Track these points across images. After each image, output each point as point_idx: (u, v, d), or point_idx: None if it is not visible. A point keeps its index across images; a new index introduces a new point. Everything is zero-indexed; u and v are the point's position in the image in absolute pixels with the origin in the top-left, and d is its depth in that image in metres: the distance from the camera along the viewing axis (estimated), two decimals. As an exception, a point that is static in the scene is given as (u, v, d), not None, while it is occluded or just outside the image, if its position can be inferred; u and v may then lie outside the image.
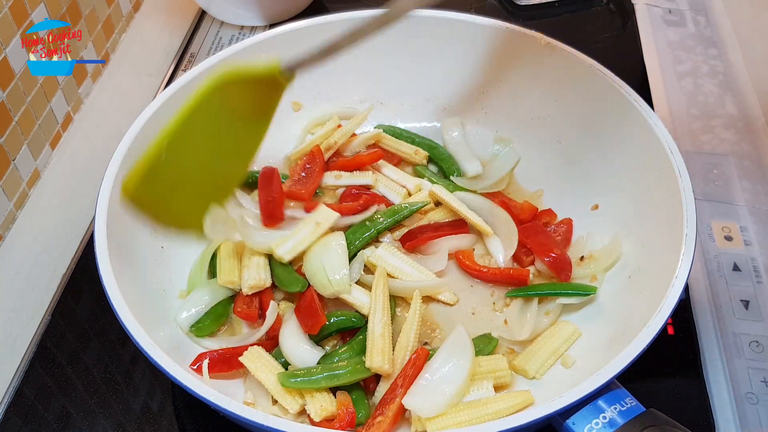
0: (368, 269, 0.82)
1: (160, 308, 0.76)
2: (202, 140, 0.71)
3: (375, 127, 1.01)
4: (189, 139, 0.69)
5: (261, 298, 0.80)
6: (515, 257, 0.85)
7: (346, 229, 0.84)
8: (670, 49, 1.17)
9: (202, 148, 0.72)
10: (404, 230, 0.87)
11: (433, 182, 0.92)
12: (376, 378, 0.73)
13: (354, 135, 0.97)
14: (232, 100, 0.70)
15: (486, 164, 0.96)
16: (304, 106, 0.99)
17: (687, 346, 0.81)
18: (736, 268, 0.87)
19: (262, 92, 0.72)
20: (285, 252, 0.79)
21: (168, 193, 0.71)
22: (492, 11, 1.27)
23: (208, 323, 0.78)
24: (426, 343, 0.78)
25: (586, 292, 0.77)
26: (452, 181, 0.92)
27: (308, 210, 0.86)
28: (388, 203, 0.90)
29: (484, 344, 0.76)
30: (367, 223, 0.85)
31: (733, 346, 0.80)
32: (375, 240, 0.85)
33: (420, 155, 0.95)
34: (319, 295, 0.77)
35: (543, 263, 0.82)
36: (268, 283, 0.80)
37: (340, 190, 0.92)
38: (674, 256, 0.68)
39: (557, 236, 0.86)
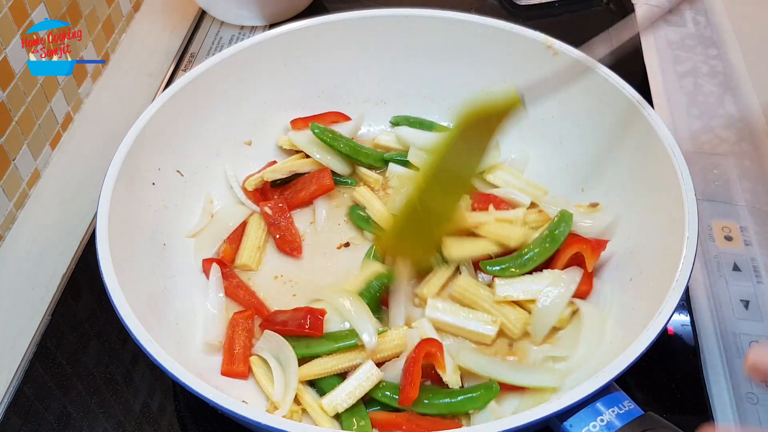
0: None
1: (161, 307, 0.76)
2: (442, 179, 0.75)
3: (390, 120, 1.01)
4: (434, 184, 0.75)
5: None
6: None
7: None
8: (670, 49, 1.17)
9: (442, 186, 0.76)
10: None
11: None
12: None
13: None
14: (469, 134, 0.73)
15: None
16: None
17: (687, 347, 0.81)
18: (736, 268, 0.87)
19: (494, 120, 0.74)
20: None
21: (415, 236, 0.79)
22: (492, 11, 1.27)
23: None
24: None
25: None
26: None
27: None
28: None
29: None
30: None
31: (733, 346, 0.80)
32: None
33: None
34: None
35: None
36: None
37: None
38: (675, 258, 0.68)
39: None
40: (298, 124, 0.96)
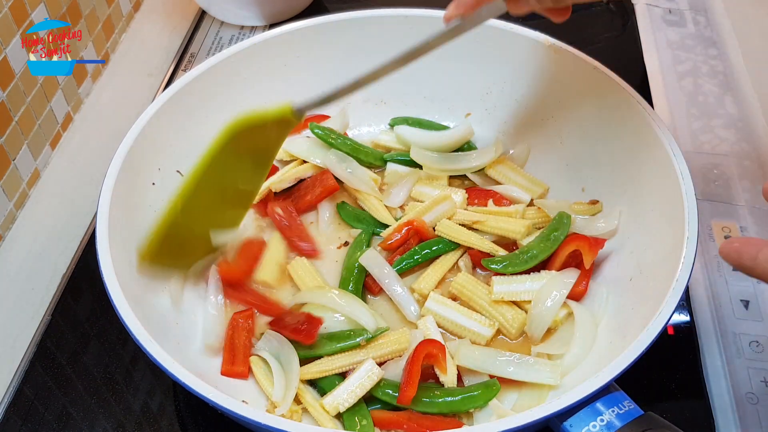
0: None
1: (161, 307, 0.76)
2: (213, 190, 0.74)
3: (390, 122, 1.01)
4: (201, 192, 0.72)
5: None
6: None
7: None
8: (670, 49, 1.17)
9: (212, 196, 0.74)
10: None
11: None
12: None
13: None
14: (241, 145, 0.72)
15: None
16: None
17: (687, 347, 0.81)
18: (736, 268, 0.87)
19: (269, 133, 0.73)
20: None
21: (181, 245, 0.76)
22: (492, 11, 1.27)
23: None
24: None
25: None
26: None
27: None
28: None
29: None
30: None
31: (733, 346, 0.80)
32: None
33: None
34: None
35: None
36: None
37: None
38: (675, 258, 0.68)
39: None
40: None
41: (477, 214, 0.86)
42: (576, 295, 0.79)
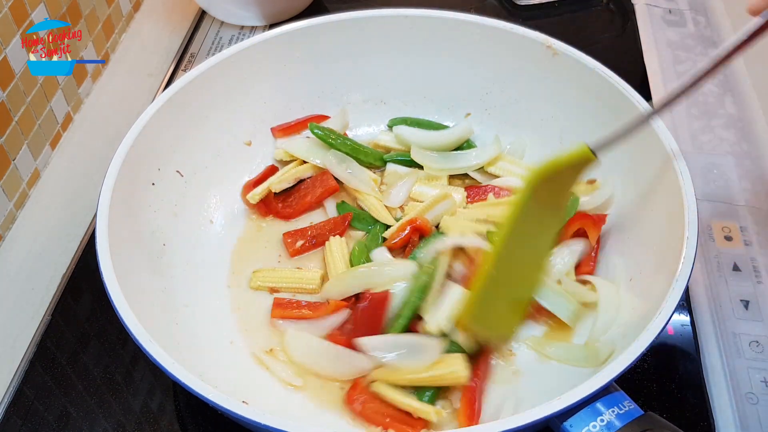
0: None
1: (161, 307, 0.76)
2: (518, 244, 0.72)
3: (389, 123, 1.01)
4: (510, 248, 0.71)
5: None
6: None
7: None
8: (670, 49, 1.17)
9: (522, 252, 0.73)
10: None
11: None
12: None
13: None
14: (542, 196, 0.71)
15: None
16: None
17: (687, 347, 0.81)
18: (736, 268, 0.87)
19: (564, 179, 0.72)
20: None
21: (495, 306, 0.74)
22: (492, 11, 1.27)
23: None
24: None
25: None
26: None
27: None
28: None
29: None
30: None
31: (733, 346, 0.80)
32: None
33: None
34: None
35: None
36: None
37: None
38: (675, 258, 0.68)
39: None
40: (278, 132, 0.97)
41: (479, 210, 0.87)
42: (586, 271, 0.82)
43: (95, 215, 0.72)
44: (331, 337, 0.78)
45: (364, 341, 0.74)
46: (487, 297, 0.72)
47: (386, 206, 0.91)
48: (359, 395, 0.72)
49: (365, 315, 0.77)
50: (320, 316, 0.80)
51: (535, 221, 0.72)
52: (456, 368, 0.72)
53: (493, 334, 0.76)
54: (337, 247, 0.85)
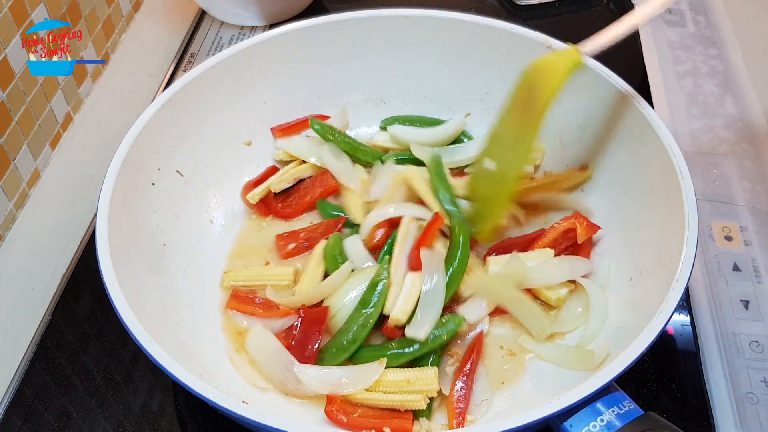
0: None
1: (161, 307, 0.76)
2: (506, 139, 0.77)
3: (381, 123, 1.00)
4: (499, 142, 0.77)
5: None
6: None
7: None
8: (670, 49, 1.17)
9: (506, 146, 0.78)
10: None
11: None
12: None
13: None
14: (529, 93, 0.74)
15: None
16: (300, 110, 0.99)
17: (687, 346, 0.81)
18: (736, 268, 0.88)
19: (549, 81, 0.74)
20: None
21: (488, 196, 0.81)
22: (492, 11, 1.27)
23: None
24: None
25: None
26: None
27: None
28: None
29: None
30: None
31: (733, 346, 0.80)
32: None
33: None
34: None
35: None
36: None
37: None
38: (675, 258, 0.68)
39: None
40: (278, 132, 0.97)
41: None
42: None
43: (95, 215, 0.72)
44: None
45: (302, 371, 0.72)
46: (482, 184, 0.78)
47: (367, 202, 0.91)
48: (338, 409, 0.70)
49: (301, 330, 0.76)
50: (270, 316, 0.80)
51: (519, 118, 0.75)
52: (428, 385, 0.71)
53: (484, 218, 0.81)
54: (320, 253, 0.85)
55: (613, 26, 0.74)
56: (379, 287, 0.77)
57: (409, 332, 0.74)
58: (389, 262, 0.79)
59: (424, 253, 0.78)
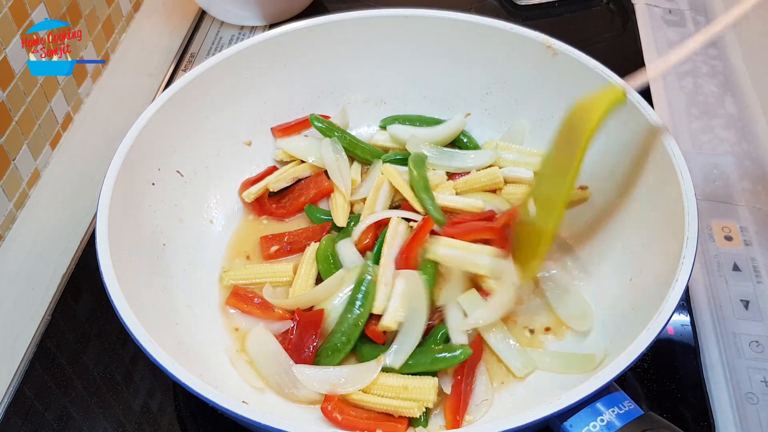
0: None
1: (160, 307, 0.76)
2: (550, 177, 0.76)
3: (381, 123, 1.01)
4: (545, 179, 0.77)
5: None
6: None
7: None
8: (670, 49, 1.17)
9: (546, 188, 0.77)
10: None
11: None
12: None
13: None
14: (567, 135, 0.74)
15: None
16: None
17: (687, 347, 0.81)
18: (736, 268, 0.88)
19: (591, 119, 0.72)
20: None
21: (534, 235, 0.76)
22: (492, 11, 1.27)
23: None
24: None
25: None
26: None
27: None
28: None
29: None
30: None
31: (733, 346, 0.80)
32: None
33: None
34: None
35: None
36: None
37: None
38: (675, 258, 0.68)
39: None
40: (278, 132, 0.97)
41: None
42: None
43: (95, 215, 0.72)
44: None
45: (300, 371, 0.73)
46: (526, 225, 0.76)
47: (353, 201, 0.91)
48: (334, 407, 0.70)
49: (297, 334, 0.76)
50: (266, 318, 0.80)
51: (562, 158, 0.74)
52: (426, 396, 0.71)
53: (526, 262, 0.78)
54: (312, 255, 0.84)
55: (660, 60, 0.73)
56: (364, 286, 0.77)
57: (387, 360, 0.73)
58: (376, 261, 0.79)
59: (405, 275, 0.77)
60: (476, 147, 0.97)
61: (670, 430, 0.59)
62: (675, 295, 0.65)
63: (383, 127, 1.00)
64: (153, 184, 0.83)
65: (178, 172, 0.87)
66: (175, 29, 1.26)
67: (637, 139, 0.81)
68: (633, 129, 0.82)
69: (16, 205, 0.95)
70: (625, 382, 0.64)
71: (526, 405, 0.69)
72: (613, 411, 0.61)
